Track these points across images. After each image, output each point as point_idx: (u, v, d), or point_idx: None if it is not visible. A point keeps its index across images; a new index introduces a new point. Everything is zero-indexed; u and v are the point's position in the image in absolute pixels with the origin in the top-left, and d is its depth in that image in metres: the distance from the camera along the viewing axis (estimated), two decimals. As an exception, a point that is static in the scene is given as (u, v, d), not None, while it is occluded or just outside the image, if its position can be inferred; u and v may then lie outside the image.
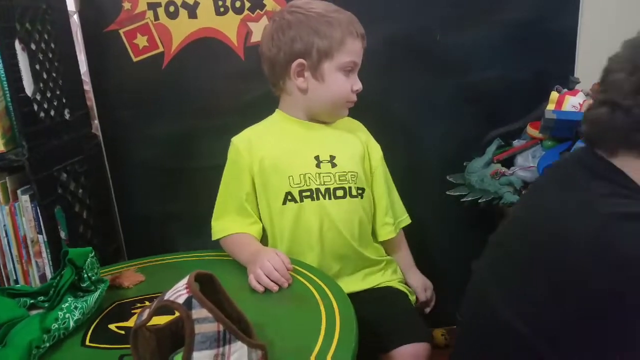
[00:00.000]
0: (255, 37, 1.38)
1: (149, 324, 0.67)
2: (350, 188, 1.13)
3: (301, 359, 0.69)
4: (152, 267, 1.06)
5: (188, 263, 1.07)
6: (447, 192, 1.41)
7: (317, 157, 1.13)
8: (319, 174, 1.12)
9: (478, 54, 1.46)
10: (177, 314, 0.77)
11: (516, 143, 1.41)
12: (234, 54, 1.40)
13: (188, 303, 0.62)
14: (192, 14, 1.37)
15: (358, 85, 1.12)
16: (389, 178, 1.24)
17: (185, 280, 0.65)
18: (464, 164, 1.44)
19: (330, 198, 1.11)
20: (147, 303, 0.91)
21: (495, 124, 1.45)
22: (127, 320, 0.86)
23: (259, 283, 0.92)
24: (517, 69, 1.47)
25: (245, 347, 0.63)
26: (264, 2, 1.38)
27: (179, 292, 0.64)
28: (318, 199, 1.11)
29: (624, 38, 0.78)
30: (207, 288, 0.70)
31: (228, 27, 1.39)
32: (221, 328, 0.62)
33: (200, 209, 1.37)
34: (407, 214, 1.27)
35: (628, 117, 0.73)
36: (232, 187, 1.15)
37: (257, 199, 1.14)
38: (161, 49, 1.39)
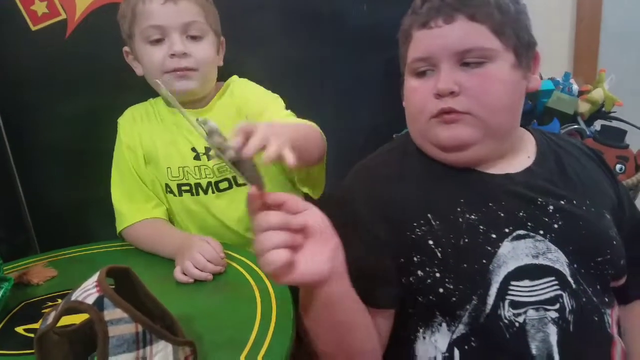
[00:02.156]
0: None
1: (58, 325, 0.60)
2: (234, 177, 1.03)
3: (233, 353, 0.64)
4: (65, 261, 0.98)
5: (105, 254, 1.00)
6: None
7: (194, 149, 1.03)
8: (198, 167, 1.03)
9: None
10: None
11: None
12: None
13: (99, 303, 0.56)
14: (96, -22, 1.24)
15: (174, 48, 0.96)
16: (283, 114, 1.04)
17: (95, 277, 0.59)
18: (394, 135, 1.43)
19: (214, 192, 1.03)
20: (59, 301, 0.81)
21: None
22: (37, 321, 0.78)
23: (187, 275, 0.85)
24: None
25: (169, 346, 0.58)
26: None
27: (88, 291, 0.57)
28: (198, 194, 1.04)
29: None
30: (123, 283, 0.63)
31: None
32: (140, 328, 0.56)
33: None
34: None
35: None
36: (124, 170, 1.06)
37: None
38: (63, 15, 1.25)
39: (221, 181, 1.04)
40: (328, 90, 1.42)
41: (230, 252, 0.91)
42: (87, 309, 0.56)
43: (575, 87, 1.36)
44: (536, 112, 1.32)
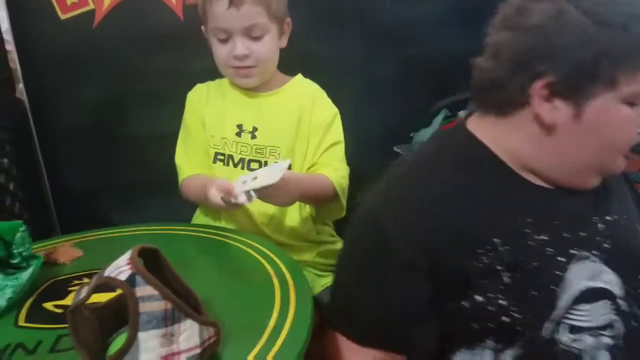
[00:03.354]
0: (196, -4, 1.30)
1: (88, 302, 0.63)
2: (266, 162, 1.09)
3: (254, 336, 0.66)
4: (89, 242, 1.00)
5: (128, 237, 1.02)
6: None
7: (239, 126, 1.10)
8: (237, 142, 1.10)
9: (427, 25, 1.43)
10: (118, 291, 0.75)
11: (462, 114, 1.40)
12: (172, 13, 1.31)
13: (131, 280, 0.58)
14: (127, -30, 1.27)
15: (236, 52, 1.03)
16: (330, 146, 1.11)
17: (127, 255, 0.61)
18: (411, 134, 1.44)
19: (243, 168, 1.09)
20: (85, 280, 0.86)
21: (443, 95, 1.44)
22: (64, 298, 0.81)
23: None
24: (465, 40, 1.44)
25: (195, 324, 0.60)
26: (204, -41, 1.29)
27: (120, 268, 0.60)
28: (228, 165, 1.10)
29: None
30: (152, 264, 0.66)
31: (166, -16, 1.30)
32: (169, 306, 0.58)
33: (137, 179, 1.31)
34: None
35: None
36: (186, 132, 1.15)
37: None
38: (92, 5, 1.29)
39: (253, 161, 1.09)
40: (345, 88, 1.45)
41: (248, 241, 0.94)
42: (120, 284, 0.58)
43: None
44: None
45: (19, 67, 1.30)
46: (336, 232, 1.24)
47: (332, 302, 0.81)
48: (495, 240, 0.67)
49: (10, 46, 1.28)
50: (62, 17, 1.28)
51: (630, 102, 0.66)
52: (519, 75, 0.67)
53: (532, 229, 0.68)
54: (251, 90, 1.12)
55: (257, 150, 1.09)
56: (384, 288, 0.69)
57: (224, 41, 1.04)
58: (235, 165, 1.10)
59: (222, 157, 1.10)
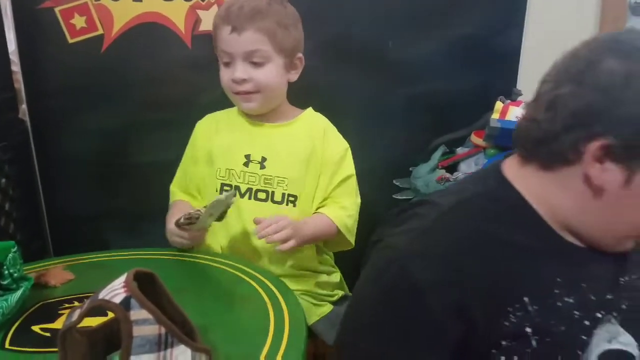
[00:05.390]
0: (205, 26, 1.32)
1: (79, 325, 0.61)
2: (273, 193, 1.09)
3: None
4: (81, 265, 0.98)
5: (122, 262, 1.00)
6: (394, 196, 1.41)
7: (247, 156, 1.11)
8: (245, 172, 1.10)
9: (427, 65, 1.46)
10: (110, 315, 0.73)
11: (460, 150, 1.44)
12: (181, 42, 1.34)
13: (126, 303, 0.57)
14: (138, -3, 1.30)
15: (234, 75, 1.05)
16: (342, 180, 1.13)
17: (122, 278, 0.60)
18: (410, 169, 1.45)
19: (250, 198, 1.09)
20: (76, 303, 0.84)
21: (441, 131, 1.46)
22: (53, 321, 0.79)
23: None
24: (464, 80, 1.49)
25: (188, 350, 0.59)
26: (215, -10, 1.33)
27: (115, 291, 0.58)
28: (234, 196, 1.08)
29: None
30: (147, 288, 0.65)
31: (175, 13, 1.32)
32: (163, 331, 0.57)
33: (136, 207, 1.30)
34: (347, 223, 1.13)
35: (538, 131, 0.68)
36: (184, 163, 1.17)
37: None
38: (101, 31, 1.30)
39: (261, 191, 1.10)
40: (348, 122, 1.47)
41: (244, 267, 0.94)
42: (114, 307, 0.57)
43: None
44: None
45: (23, 88, 1.30)
46: (335, 263, 1.23)
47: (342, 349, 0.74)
48: (525, 299, 0.64)
49: (16, 67, 1.28)
50: (70, 40, 1.29)
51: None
52: (575, 132, 0.64)
53: (561, 289, 0.65)
54: (260, 120, 1.13)
55: (266, 181, 1.10)
56: (409, 344, 0.65)
57: (227, 65, 1.07)
58: (242, 196, 1.09)
59: (228, 189, 1.10)
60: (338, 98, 1.42)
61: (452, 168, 1.41)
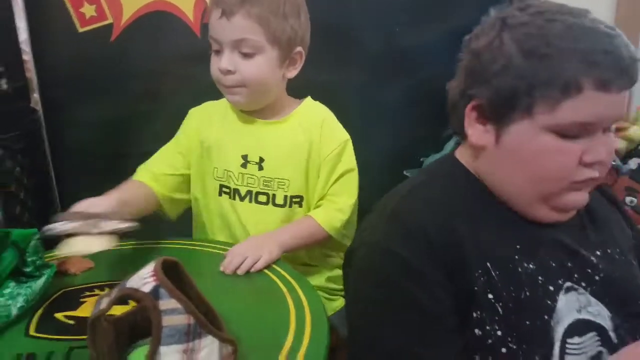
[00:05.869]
0: (215, 15, 1.32)
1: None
2: (274, 195, 1.04)
3: (271, 356, 0.66)
4: (100, 254, 0.98)
5: (140, 251, 1.00)
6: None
7: (244, 157, 1.05)
8: (243, 174, 1.05)
9: (435, 51, 1.45)
10: (131, 304, 0.74)
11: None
12: (190, 31, 1.34)
13: (155, 292, 0.58)
14: (147, -15, 1.29)
15: (219, 64, 0.97)
16: (340, 175, 1.07)
17: (151, 267, 0.61)
18: (421, 159, 1.45)
19: (251, 201, 1.05)
20: (96, 291, 0.85)
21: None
22: (75, 309, 0.80)
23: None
24: None
25: (216, 341, 0.60)
26: (224, -22, 1.32)
27: (144, 279, 0.59)
28: (234, 199, 1.06)
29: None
30: (172, 277, 0.66)
31: (184, 1, 1.32)
32: (191, 321, 0.58)
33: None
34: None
35: None
36: (170, 151, 1.10)
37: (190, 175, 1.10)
38: (110, 20, 1.31)
39: (261, 194, 1.05)
40: (353, 113, 1.46)
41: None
42: (143, 296, 0.57)
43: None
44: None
45: (35, 77, 1.30)
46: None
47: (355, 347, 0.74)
48: (487, 264, 0.66)
49: (27, 56, 1.29)
50: (80, 30, 1.30)
51: (560, 133, 0.65)
52: (463, 98, 0.71)
53: (520, 255, 0.68)
54: (253, 116, 1.06)
55: (265, 183, 1.04)
56: (412, 300, 0.66)
57: (217, 53, 0.99)
58: (242, 199, 1.05)
59: (227, 190, 1.06)
60: (342, 89, 1.41)
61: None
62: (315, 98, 1.12)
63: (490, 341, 0.64)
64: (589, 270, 0.69)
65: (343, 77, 1.41)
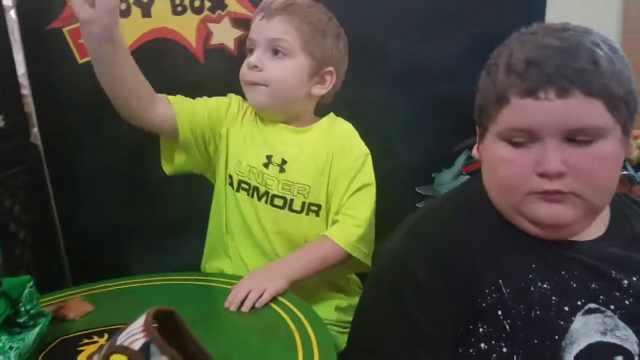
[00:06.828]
0: (217, 39, 1.29)
1: (98, 369, 0.58)
2: (292, 200, 1.03)
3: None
4: (100, 295, 0.95)
5: (142, 289, 0.96)
6: (417, 205, 1.36)
7: (268, 157, 1.05)
8: (263, 173, 1.04)
9: (448, 67, 1.41)
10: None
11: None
12: (192, 57, 1.31)
13: (145, 349, 0.53)
14: (146, 13, 1.26)
15: (249, 59, 1.02)
16: (358, 189, 1.06)
17: (141, 320, 0.56)
18: (432, 175, 1.40)
19: (267, 202, 1.04)
20: (95, 338, 0.80)
21: (464, 135, 1.40)
22: (73, 359, 0.75)
23: None
24: None
25: (213, 396, 0.55)
26: (225, 2, 1.28)
27: (134, 335, 0.55)
28: (252, 197, 1.04)
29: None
30: (167, 325, 0.61)
31: (186, 27, 1.29)
32: (185, 378, 0.53)
33: (155, 224, 1.27)
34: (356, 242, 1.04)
35: None
36: (200, 101, 1.09)
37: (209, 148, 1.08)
38: (110, 49, 1.27)
39: (278, 197, 1.04)
40: (372, 126, 1.43)
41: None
42: (133, 355, 0.53)
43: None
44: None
45: (34, 112, 1.28)
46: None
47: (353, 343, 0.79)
48: (500, 281, 0.68)
49: (26, 90, 1.26)
50: (80, 61, 1.27)
51: (510, 142, 0.67)
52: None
53: (535, 275, 0.68)
54: (291, 124, 1.07)
55: (285, 186, 1.04)
56: (406, 313, 0.69)
57: (251, 52, 1.03)
58: (260, 199, 1.04)
59: (246, 187, 1.04)
60: (358, 104, 1.36)
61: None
62: (339, 110, 1.13)
63: (494, 356, 0.66)
64: (617, 294, 0.68)
65: (359, 91, 1.36)
